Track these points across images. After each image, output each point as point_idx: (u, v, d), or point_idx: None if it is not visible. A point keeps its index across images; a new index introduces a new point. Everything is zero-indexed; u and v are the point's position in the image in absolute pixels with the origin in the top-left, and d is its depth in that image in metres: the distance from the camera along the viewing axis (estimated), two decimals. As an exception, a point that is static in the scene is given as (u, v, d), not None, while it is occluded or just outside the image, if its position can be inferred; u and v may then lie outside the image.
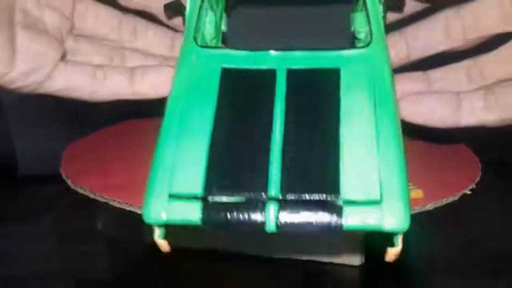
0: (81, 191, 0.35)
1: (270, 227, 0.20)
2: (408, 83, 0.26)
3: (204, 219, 0.21)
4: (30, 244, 0.41)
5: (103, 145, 0.38)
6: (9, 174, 0.54)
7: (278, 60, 0.25)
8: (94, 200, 0.34)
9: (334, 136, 0.22)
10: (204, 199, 0.21)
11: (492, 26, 0.25)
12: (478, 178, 0.37)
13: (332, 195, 0.20)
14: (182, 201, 0.22)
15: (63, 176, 0.37)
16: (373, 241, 0.37)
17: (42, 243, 0.42)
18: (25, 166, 0.55)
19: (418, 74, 0.27)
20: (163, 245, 0.24)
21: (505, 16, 0.25)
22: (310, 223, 0.20)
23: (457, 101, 0.25)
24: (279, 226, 0.20)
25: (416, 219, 0.32)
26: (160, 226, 0.24)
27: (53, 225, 0.44)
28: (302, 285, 0.37)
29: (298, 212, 0.20)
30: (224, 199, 0.21)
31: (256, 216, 0.21)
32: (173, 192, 0.22)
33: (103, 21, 0.31)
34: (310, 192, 0.21)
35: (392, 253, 0.23)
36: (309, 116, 0.23)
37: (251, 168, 0.22)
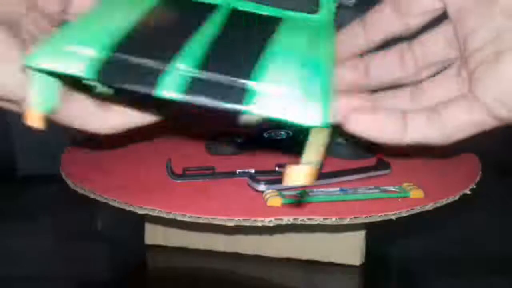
0: (81, 191, 0.35)
1: (162, 92, 0.19)
2: (356, 99, 0.27)
3: (99, 74, 0.19)
4: (30, 244, 0.41)
5: (102, 146, 0.38)
6: (9, 174, 0.54)
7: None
8: (94, 200, 0.34)
9: (265, 37, 0.22)
10: (106, 54, 0.20)
11: (437, 52, 0.28)
12: (478, 179, 0.36)
13: (243, 78, 0.19)
14: (80, 52, 0.20)
15: (63, 176, 0.37)
16: (373, 241, 0.38)
17: (42, 243, 0.42)
18: (25, 166, 0.55)
19: (365, 93, 0.28)
20: (34, 116, 0.21)
21: (448, 42, 0.28)
22: (211, 100, 0.19)
23: (402, 118, 0.26)
24: (175, 95, 0.19)
25: (416, 219, 0.32)
26: (41, 74, 0.21)
27: (53, 225, 0.44)
28: (302, 285, 0.37)
29: (202, 90, 0.19)
30: (128, 59, 0.19)
31: (150, 80, 0.19)
32: (74, 41, 0.20)
33: None
34: (223, 73, 0.19)
35: (304, 169, 0.20)
36: (244, 28, 0.22)
37: (169, 39, 0.20)
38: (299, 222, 0.31)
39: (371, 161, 0.38)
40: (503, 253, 0.40)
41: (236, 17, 0.24)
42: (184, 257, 0.39)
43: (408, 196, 0.33)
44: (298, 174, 0.21)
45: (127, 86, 0.19)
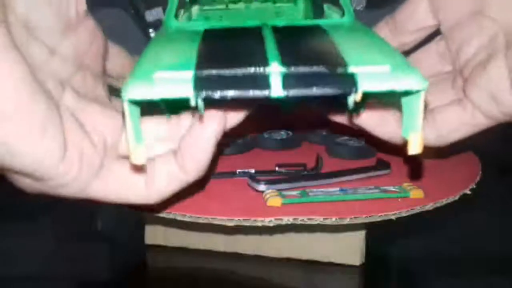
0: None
1: (276, 93, 0.19)
2: None
3: (197, 94, 0.19)
4: (29, 244, 0.41)
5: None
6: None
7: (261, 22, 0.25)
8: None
9: (324, 39, 0.23)
10: (196, 73, 0.20)
11: (431, 67, 0.30)
12: (478, 178, 0.36)
13: (340, 67, 0.20)
14: (170, 78, 0.20)
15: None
16: (373, 241, 0.38)
17: (42, 243, 0.42)
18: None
19: None
20: (138, 151, 0.21)
21: (440, 56, 0.30)
22: (322, 88, 0.20)
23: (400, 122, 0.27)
24: (287, 91, 0.20)
25: (416, 219, 0.32)
26: (141, 104, 0.21)
27: (52, 224, 0.44)
28: (302, 285, 0.37)
29: (306, 80, 0.20)
30: (218, 72, 0.20)
31: (259, 86, 0.19)
32: (161, 68, 0.20)
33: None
34: (317, 64, 0.20)
35: (416, 139, 0.21)
36: (299, 37, 0.23)
37: (246, 49, 0.21)
38: (299, 222, 0.31)
39: (371, 161, 0.38)
40: (504, 253, 0.40)
41: (282, 31, 0.24)
42: (184, 257, 0.39)
43: (408, 196, 0.33)
44: (418, 142, 0.22)
45: (240, 94, 0.19)
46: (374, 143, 0.36)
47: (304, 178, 0.35)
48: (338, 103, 0.21)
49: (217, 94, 0.19)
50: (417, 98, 0.21)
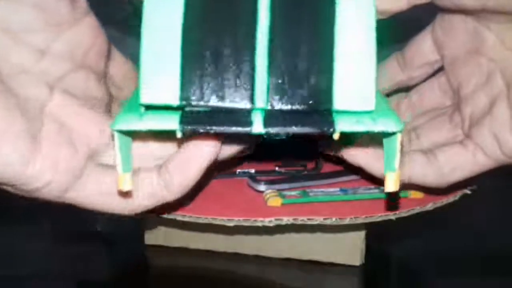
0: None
1: (257, 129, 0.20)
2: None
3: (183, 128, 0.20)
4: (29, 244, 0.41)
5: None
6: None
7: None
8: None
9: (328, 40, 0.21)
10: (182, 108, 0.21)
11: (432, 100, 0.32)
12: (478, 178, 0.36)
13: (325, 105, 0.21)
14: (158, 111, 0.21)
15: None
16: (373, 241, 0.38)
17: (41, 243, 0.41)
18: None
19: None
20: (125, 179, 0.22)
21: (442, 91, 0.31)
22: (301, 127, 0.20)
23: (404, 157, 0.28)
24: (267, 129, 0.20)
25: (416, 219, 0.32)
26: (128, 134, 0.22)
27: (52, 225, 0.44)
28: (302, 285, 0.37)
29: (289, 122, 0.20)
30: (204, 107, 0.21)
31: (241, 123, 0.20)
32: (146, 102, 0.21)
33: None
34: (302, 102, 0.20)
35: (392, 178, 0.22)
36: (298, 14, 0.21)
37: (233, 70, 0.21)
38: (299, 222, 0.31)
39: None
40: (505, 253, 0.39)
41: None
42: (184, 257, 0.39)
43: (408, 196, 0.33)
44: (393, 181, 0.22)
45: (223, 130, 0.20)
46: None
47: (304, 178, 0.35)
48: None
49: (201, 129, 0.20)
50: (394, 139, 0.21)
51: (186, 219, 0.31)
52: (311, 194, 0.33)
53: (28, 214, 0.45)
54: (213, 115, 0.20)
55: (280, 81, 0.21)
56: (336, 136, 0.21)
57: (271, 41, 0.21)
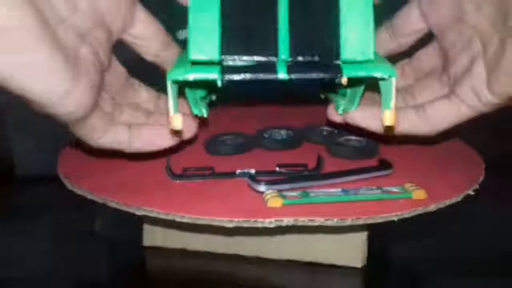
0: (78, 191, 0.35)
1: (282, 76, 0.27)
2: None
3: (222, 77, 0.27)
4: (28, 245, 0.41)
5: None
6: (7, 174, 0.53)
7: None
8: (91, 200, 0.34)
9: (334, 11, 0.28)
10: (220, 63, 0.27)
11: (430, 63, 0.36)
12: (481, 179, 0.36)
13: (334, 57, 0.28)
14: (202, 66, 0.27)
15: (61, 176, 0.37)
16: (375, 243, 0.37)
17: (40, 244, 0.41)
18: (23, 166, 0.55)
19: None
20: (177, 118, 0.28)
21: (437, 54, 0.36)
22: (316, 73, 0.27)
23: (397, 113, 0.32)
24: (290, 76, 0.27)
25: (419, 220, 0.32)
26: (180, 82, 0.28)
27: (51, 226, 0.44)
28: (303, 287, 0.37)
29: (306, 70, 0.27)
30: (238, 62, 0.27)
31: (269, 71, 0.27)
32: (194, 58, 0.28)
33: (118, 77, 0.34)
34: (316, 54, 0.27)
35: (389, 114, 0.29)
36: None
37: (261, 33, 0.27)
38: (300, 223, 0.30)
39: (373, 161, 0.38)
40: (507, 254, 0.39)
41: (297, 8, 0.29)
42: (183, 258, 0.38)
43: (411, 197, 0.33)
44: (390, 117, 0.29)
45: (255, 77, 0.27)
46: (372, 137, 0.39)
47: (305, 179, 0.35)
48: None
49: (237, 77, 0.27)
50: (390, 83, 0.28)
51: (185, 220, 0.31)
52: (312, 194, 0.33)
53: (26, 215, 0.45)
54: (245, 67, 0.27)
55: (298, 40, 0.27)
56: (344, 80, 0.28)
57: (290, 11, 0.28)
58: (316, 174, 0.36)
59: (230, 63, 0.27)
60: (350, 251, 0.37)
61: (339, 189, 0.33)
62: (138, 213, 0.32)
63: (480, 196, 0.35)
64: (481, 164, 0.39)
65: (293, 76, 0.27)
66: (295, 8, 0.28)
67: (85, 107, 0.29)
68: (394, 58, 0.35)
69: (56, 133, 0.37)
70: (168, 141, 0.33)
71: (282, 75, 0.27)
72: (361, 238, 0.37)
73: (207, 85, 0.29)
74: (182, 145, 0.39)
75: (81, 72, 0.28)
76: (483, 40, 0.32)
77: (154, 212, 0.31)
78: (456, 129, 0.34)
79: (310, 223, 0.30)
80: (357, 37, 0.28)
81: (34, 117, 0.57)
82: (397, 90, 0.32)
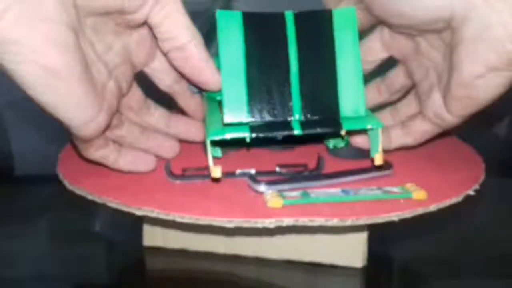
0: (78, 191, 0.34)
1: (297, 132, 0.33)
2: None
3: (251, 135, 0.33)
4: (27, 245, 0.41)
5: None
6: (6, 174, 0.53)
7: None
8: (91, 201, 0.34)
9: (333, 71, 0.35)
10: (249, 124, 0.34)
11: (400, 82, 0.40)
12: (482, 179, 0.36)
13: (335, 115, 0.35)
14: (232, 127, 0.34)
15: (60, 176, 0.36)
16: (375, 243, 0.37)
17: (39, 244, 0.41)
18: (22, 166, 0.55)
19: None
20: (216, 169, 0.33)
21: (404, 77, 0.40)
22: (322, 129, 0.34)
23: (388, 134, 0.39)
24: (304, 131, 0.33)
25: (419, 220, 0.32)
26: (216, 142, 0.35)
27: (50, 226, 0.44)
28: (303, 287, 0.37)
29: (315, 126, 0.34)
30: (263, 122, 0.34)
31: (286, 129, 0.34)
32: (228, 122, 0.34)
33: (136, 100, 0.37)
34: (322, 114, 0.34)
35: (378, 157, 0.35)
36: (314, 55, 0.35)
37: (279, 98, 0.34)
38: (300, 223, 0.30)
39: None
40: (507, 254, 0.39)
41: (301, 30, 0.35)
42: (183, 259, 0.38)
43: (411, 197, 0.33)
44: (379, 159, 0.34)
45: (275, 134, 0.34)
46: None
47: (305, 179, 0.35)
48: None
49: (262, 134, 0.33)
50: (377, 132, 0.34)
51: (185, 220, 0.31)
52: (312, 195, 0.33)
53: (25, 215, 0.45)
54: (268, 126, 0.34)
55: (307, 103, 0.34)
56: (343, 132, 0.34)
57: (300, 79, 0.35)
58: (316, 174, 0.36)
59: (256, 123, 0.34)
60: (350, 251, 0.37)
61: (339, 190, 0.33)
62: (138, 213, 0.32)
63: (480, 196, 0.35)
64: (481, 164, 0.39)
65: (306, 131, 0.33)
66: (304, 72, 0.35)
67: (101, 130, 0.32)
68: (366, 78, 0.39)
69: (56, 133, 0.37)
70: (149, 167, 0.37)
71: (297, 131, 0.33)
72: (361, 238, 0.36)
73: (236, 140, 0.33)
74: (181, 145, 0.39)
75: (106, 103, 0.32)
76: (437, 71, 0.36)
77: (154, 212, 0.31)
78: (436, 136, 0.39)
79: (310, 223, 0.30)
80: (352, 97, 0.35)
81: (34, 117, 0.57)
82: (382, 107, 0.41)
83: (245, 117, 0.34)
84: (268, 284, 0.37)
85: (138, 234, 0.40)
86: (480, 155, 0.41)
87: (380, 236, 0.37)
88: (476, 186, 0.35)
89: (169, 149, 0.38)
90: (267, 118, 0.34)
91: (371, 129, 0.34)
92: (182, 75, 0.36)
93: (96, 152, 0.34)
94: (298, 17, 0.35)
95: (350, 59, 0.35)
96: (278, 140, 0.39)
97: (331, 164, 0.37)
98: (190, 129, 0.39)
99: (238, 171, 0.36)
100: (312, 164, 0.37)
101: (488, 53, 0.32)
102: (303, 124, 0.34)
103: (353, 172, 0.36)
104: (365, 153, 0.39)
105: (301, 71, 0.35)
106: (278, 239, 0.37)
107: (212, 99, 0.38)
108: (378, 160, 0.34)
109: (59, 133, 0.35)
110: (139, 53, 0.35)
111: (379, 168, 0.36)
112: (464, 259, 0.39)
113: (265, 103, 0.34)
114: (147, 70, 0.37)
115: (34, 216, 0.45)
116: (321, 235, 0.36)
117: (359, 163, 0.37)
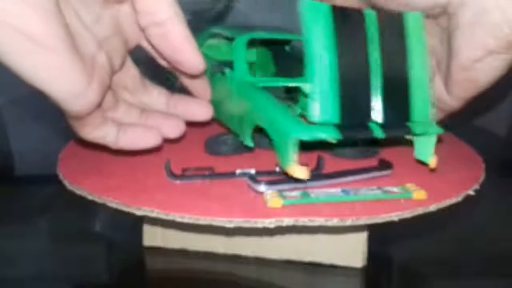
0: (78, 191, 0.34)
1: (379, 135, 0.33)
2: None
3: (340, 136, 0.32)
4: (27, 245, 0.41)
5: (100, 146, 0.38)
6: (6, 174, 0.53)
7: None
8: (91, 200, 0.34)
9: (405, 78, 0.35)
10: (339, 124, 0.33)
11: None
12: (482, 179, 0.36)
13: (407, 119, 0.35)
14: (326, 125, 0.33)
15: (60, 176, 0.36)
16: (375, 243, 0.37)
17: (39, 244, 0.41)
18: (22, 166, 0.55)
19: None
20: (297, 168, 0.32)
21: None
22: (400, 132, 0.34)
23: None
24: (385, 134, 0.33)
25: (419, 220, 0.32)
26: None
27: (50, 226, 0.44)
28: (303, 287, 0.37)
29: (392, 129, 0.34)
30: (350, 124, 0.33)
31: (370, 132, 0.33)
32: (317, 121, 0.33)
33: (131, 77, 0.36)
34: (398, 118, 0.34)
35: (434, 160, 0.35)
36: (393, 57, 0.35)
37: (364, 103, 0.34)
38: (300, 223, 0.30)
39: (373, 161, 0.38)
40: (507, 254, 0.39)
41: (381, 31, 0.35)
42: (183, 259, 0.38)
43: (411, 197, 0.33)
44: (434, 161, 0.35)
45: (359, 135, 0.33)
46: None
47: (305, 179, 0.35)
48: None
49: (348, 136, 0.32)
50: (434, 137, 0.35)
51: (185, 220, 0.31)
52: (312, 195, 0.33)
53: (25, 215, 0.45)
54: (353, 127, 0.33)
55: (387, 106, 0.34)
56: (411, 136, 0.35)
57: (382, 82, 0.34)
58: (316, 175, 0.36)
59: (339, 124, 0.33)
60: (350, 251, 0.37)
61: (339, 190, 0.33)
62: (138, 213, 0.32)
63: (480, 196, 0.35)
64: (481, 164, 0.39)
65: (387, 134, 0.33)
66: (386, 74, 0.34)
67: (92, 105, 0.31)
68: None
69: (56, 133, 0.37)
70: (150, 143, 0.36)
71: (379, 134, 0.33)
72: (361, 238, 0.36)
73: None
74: (182, 145, 0.39)
75: (95, 76, 0.30)
76: (435, 55, 0.37)
77: (154, 212, 0.31)
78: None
79: (310, 224, 0.30)
80: (422, 102, 0.35)
81: (34, 116, 0.57)
82: None
83: (337, 119, 0.33)
84: (268, 284, 0.37)
85: (138, 234, 0.40)
86: (480, 155, 0.41)
87: (380, 236, 0.37)
88: (476, 186, 0.35)
89: (173, 127, 0.37)
90: (350, 119, 0.33)
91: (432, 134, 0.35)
92: (161, 56, 0.35)
93: (93, 132, 0.33)
94: (379, 17, 0.35)
95: (420, 63, 0.35)
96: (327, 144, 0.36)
97: (331, 164, 0.37)
98: (191, 109, 0.38)
99: (238, 171, 0.36)
100: (312, 164, 0.37)
101: (486, 38, 0.32)
102: (383, 127, 0.33)
103: (353, 172, 0.36)
104: (365, 153, 0.39)
105: (383, 73, 0.34)
106: (278, 239, 0.37)
107: (248, 85, 0.36)
108: (434, 163, 0.35)
109: (59, 133, 0.35)
110: (130, 27, 0.34)
111: (379, 168, 0.36)
112: (464, 259, 0.39)
113: (350, 103, 0.33)
114: (144, 44, 0.36)
115: (34, 216, 0.45)
116: (321, 235, 0.36)
117: (359, 163, 0.37)
